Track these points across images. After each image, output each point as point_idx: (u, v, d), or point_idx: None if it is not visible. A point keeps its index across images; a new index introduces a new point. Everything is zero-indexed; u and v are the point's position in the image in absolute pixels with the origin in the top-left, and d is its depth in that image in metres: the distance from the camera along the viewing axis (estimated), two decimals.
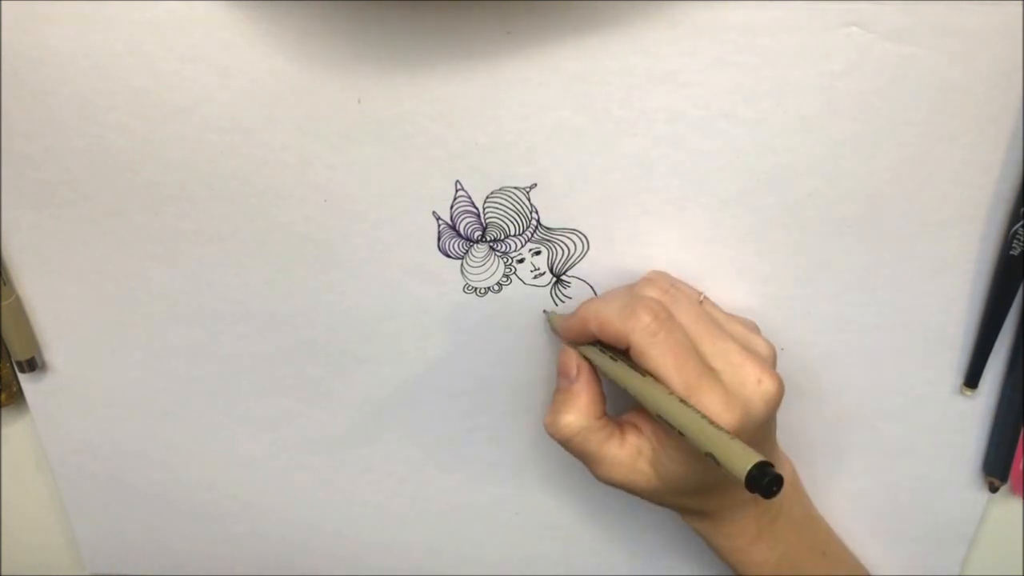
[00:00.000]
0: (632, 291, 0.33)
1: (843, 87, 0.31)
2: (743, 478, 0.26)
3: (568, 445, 0.33)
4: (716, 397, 0.29)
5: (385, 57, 0.31)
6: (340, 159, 0.33)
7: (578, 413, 0.33)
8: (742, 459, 0.26)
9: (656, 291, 0.33)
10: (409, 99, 0.32)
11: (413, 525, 0.44)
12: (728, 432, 0.28)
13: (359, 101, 0.32)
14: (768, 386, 0.31)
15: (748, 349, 0.32)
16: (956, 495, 0.40)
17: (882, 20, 0.29)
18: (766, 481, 0.25)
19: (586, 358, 0.34)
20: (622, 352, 0.32)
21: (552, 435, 0.33)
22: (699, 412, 0.29)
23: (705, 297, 0.35)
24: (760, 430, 0.32)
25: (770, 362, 0.33)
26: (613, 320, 0.31)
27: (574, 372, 0.33)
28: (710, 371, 0.30)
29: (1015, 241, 0.33)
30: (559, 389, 0.34)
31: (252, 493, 0.43)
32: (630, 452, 0.33)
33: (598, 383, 0.34)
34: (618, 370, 0.31)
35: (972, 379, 0.37)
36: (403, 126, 0.32)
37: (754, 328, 0.35)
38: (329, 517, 0.44)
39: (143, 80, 0.32)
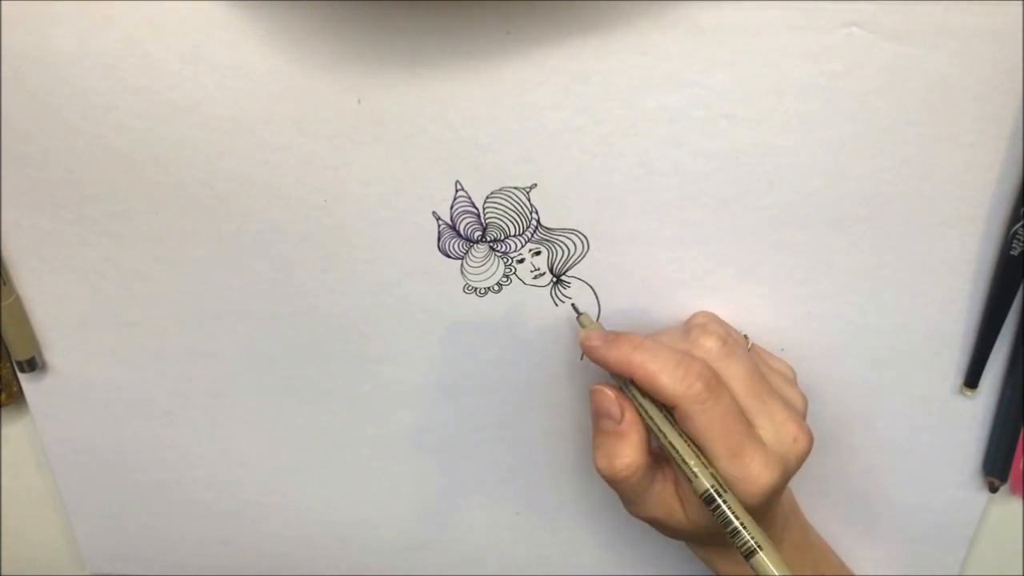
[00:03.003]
0: (687, 340, 0.32)
1: (843, 87, 0.31)
2: None
3: (624, 485, 0.32)
4: (758, 460, 0.30)
5: (385, 57, 0.31)
6: (340, 159, 0.33)
7: (635, 452, 0.32)
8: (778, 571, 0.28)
9: (713, 343, 0.32)
10: (409, 99, 0.32)
11: (413, 525, 0.44)
12: (769, 544, 0.29)
13: (359, 101, 0.32)
14: (803, 444, 0.32)
15: (788, 406, 0.32)
16: (956, 495, 0.40)
17: (882, 20, 0.29)
18: None
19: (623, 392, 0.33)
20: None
21: (610, 477, 0.32)
22: (744, 487, 0.29)
23: (753, 343, 0.36)
24: (787, 482, 0.33)
25: (804, 415, 0.33)
26: (662, 379, 0.30)
27: (618, 412, 0.32)
28: (752, 435, 0.30)
29: (1015, 241, 0.33)
30: (604, 430, 0.33)
31: (252, 493, 0.43)
32: (670, 489, 0.33)
33: (641, 418, 0.33)
34: (664, 427, 0.31)
35: (972, 379, 0.37)
36: (403, 126, 0.32)
37: (791, 376, 0.35)
38: (329, 517, 0.44)
39: (143, 80, 0.32)
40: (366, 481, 0.42)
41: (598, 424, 0.33)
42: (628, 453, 0.32)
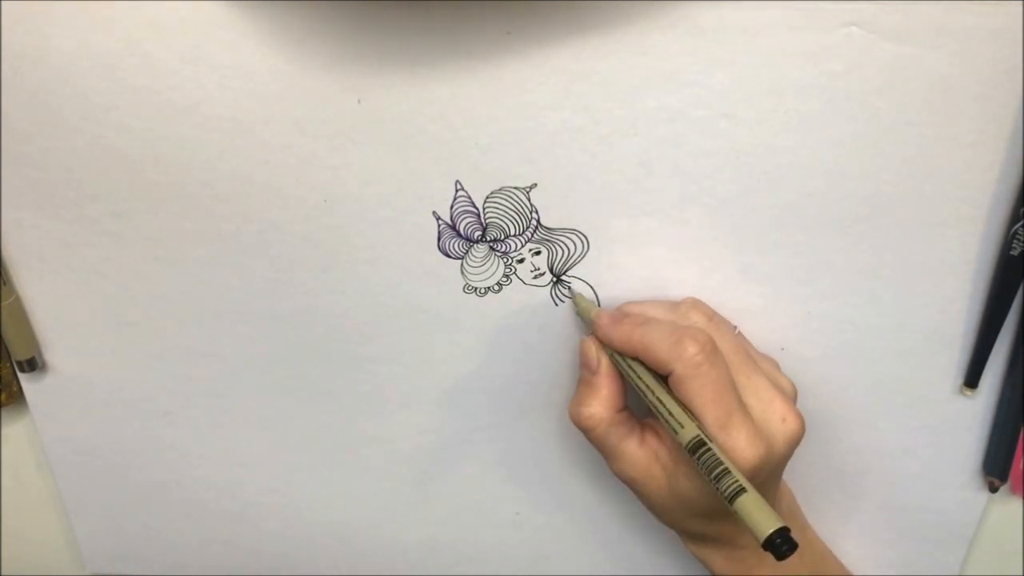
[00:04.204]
0: (676, 313, 0.34)
1: (843, 87, 0.31)
2: (763, 539, 0.27)
3: (589, 435, 0.34)
4: (743, 433, 0.30)
5: (385, 57, 0.31)
6: (340, 159, 0.33)
7: (599, 405, 0.33)
8: (766, 521, 0.27)
9: (700, 318, 0.33)
10: (409, 99, 0.32)
11: (413, 525, 0.44)
12: (754, 489, 0.28)
13: (359, 101, 0.32)
14: (792, 425, 0.32)
15: (776, 386, 0.32)
16: (956, 495, 0.40)
17: (882, 20, 0.29)
18: (784, 547, 0.27)
19: (613, 356, 0.34)
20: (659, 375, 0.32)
21: (575, 423, 0.34)
22: (729, 458, 0.29)
23: (740, 332, 0.36)
24: (778, 467, 0.33)
25: (793, 400, 0.33)
26: (658, 347, 0.31)
27: (595, 364, 0.34)
28: (742, 407, 0.30)
29: (1015, 241, 0.33)
30: (582, 379, 0.35)
31: (252, 493, 0.43)
32: (647, 454, 0.33)
33: (619, 376, 0.34)
34: (653, 385, 0.32)
35: (972, 379, 0.37)
36: (403, 126, 0.32)
37: (777, 365, 0.35)
38: (329, 517, 0.44)
39: (143, 80, 0.32)
40: (366, 481, 0.42)
41: (580, 373, 0.35)
42: (594, 404, 0.33)
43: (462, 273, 0.36)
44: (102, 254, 0.36)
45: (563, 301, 0.36)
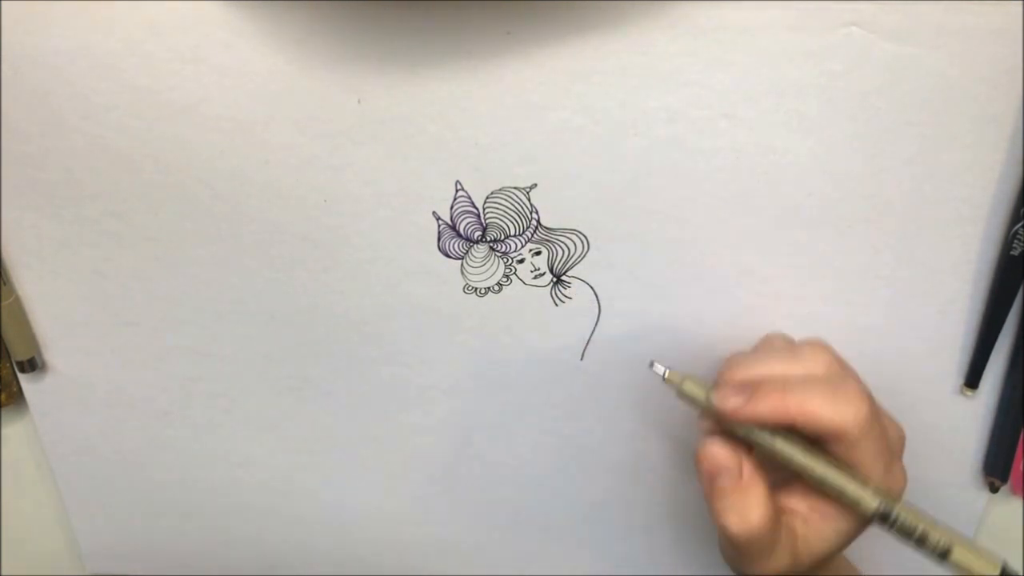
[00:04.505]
0: (799, 360, 0.30)
1: (843, 87, 0.31)
2: None
3: (761, 542, 0.29)
4: (898, 469, 0.30)
5: (385, 57, 0.31)
6: (340, 159, 0.33)
7: (766, 502, 0.29)
8: (987, 565, 0.28)
9: (827, 362, 0.30)
10: (409, 99, 0.32)
11: (413, 525, 0.44)
12: (960, 536, 0.28)
13: (359, 101, 0.32)
14: (902, 433, 0.32)
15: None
16: (956, 495, 0.40)
17: (882, 20, 0.29)
18: None
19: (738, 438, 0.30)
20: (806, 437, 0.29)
21: (747, 535, 0.29)
22: (919, 512, 0.29)
23: None
24: None
25: None
26: (824, 413, 0.28)
27: (737, 468, 0.30)
28: (891, 451, 0.30)
29: (1015, 241, 0.33)
30: (726, 489, 0.30)
31: (252, 493, 0.43)
32: (790, 536, 0.30)
33: (760, 466, 0.30)
34: (810, 461, 0.29)
35: (972, 379, 0.37)
36: (403, 126, 0.32)
37: None
38: (329, 517, 0.44)
39: (143, 80, 0.32)
40: (366, 481, 0.42)
41: (716, 483, 0.30)
42: (759, 504, 0.29)
43: (462, 273, 0.36)
44: (102, 254, 0.36)
45: (563, 301, 0.36)
